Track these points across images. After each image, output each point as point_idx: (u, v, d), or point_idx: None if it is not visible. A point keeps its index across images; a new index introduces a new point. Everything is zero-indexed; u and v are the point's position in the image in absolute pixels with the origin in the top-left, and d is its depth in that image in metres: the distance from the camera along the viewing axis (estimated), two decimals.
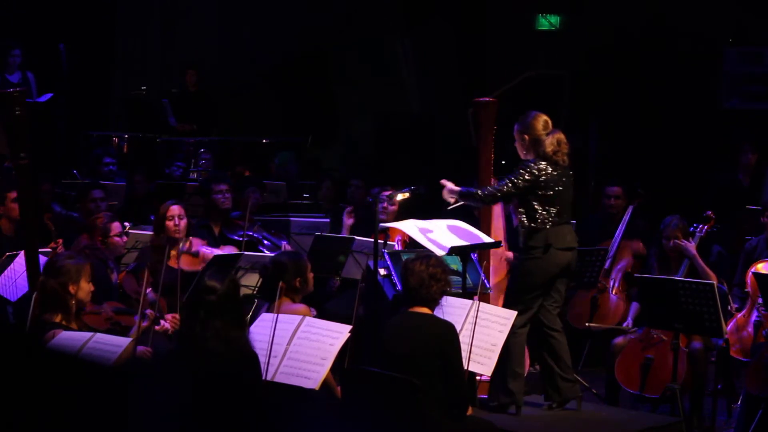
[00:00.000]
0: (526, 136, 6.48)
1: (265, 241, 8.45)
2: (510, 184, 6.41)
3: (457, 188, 6.64)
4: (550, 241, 6.37)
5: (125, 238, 7.30)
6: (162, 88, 13.22)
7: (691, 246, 7.42)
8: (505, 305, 6.49)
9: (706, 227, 7.59)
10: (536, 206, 6.38)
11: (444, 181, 6.72)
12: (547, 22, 12.49)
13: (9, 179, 7.75)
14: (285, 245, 8.40)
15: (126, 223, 7.57)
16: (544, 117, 6.50)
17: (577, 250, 6.66)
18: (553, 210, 6.39)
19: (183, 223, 7.39)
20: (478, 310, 6.13)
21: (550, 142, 6.41)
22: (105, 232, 7.16)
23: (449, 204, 6.73)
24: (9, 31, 11.63)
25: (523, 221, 6.45)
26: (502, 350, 6.26)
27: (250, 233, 8.42)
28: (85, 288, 5.76)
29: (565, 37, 12.27)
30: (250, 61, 13.54)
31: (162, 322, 6.46)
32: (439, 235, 6.68)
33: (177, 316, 6.56)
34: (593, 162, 11.55)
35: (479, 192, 6.56)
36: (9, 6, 12.11)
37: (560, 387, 6.54)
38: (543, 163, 6.39)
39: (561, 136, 6.46)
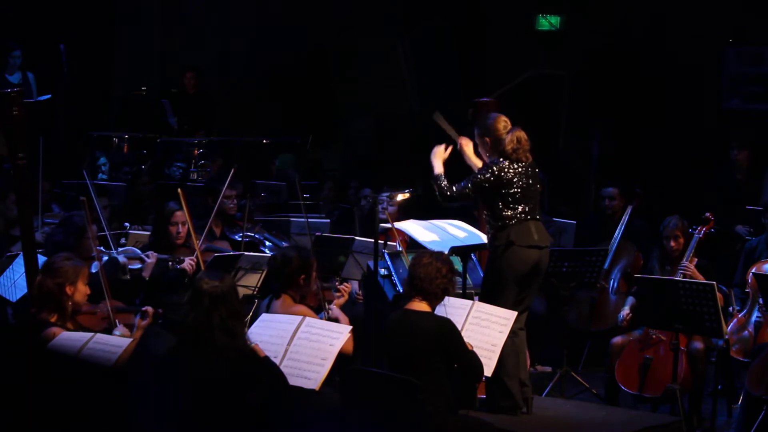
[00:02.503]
0: (488, 138, 6.50)
1: (267, 243, 8.43)
2: (470, 185, 6.42)
3: (437, 168, 6.57)
4: (511, 238, 6.34)
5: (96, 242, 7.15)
6: (162, 88, 13.22)
7: (697, 273, 7.38)
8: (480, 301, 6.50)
9: (704, 229, 7.57)
10: (500, 205, 6.38)
11: (440, 152, 6.64)
12: (547, 22, 12.47)
13: (8, 179, 7.75)
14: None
15: (125, 224, 7.57)
16: (504, 117, 6.53)
17: (569, 250, 6.62)
18: (518, 207, 6.38)
19: (185, 229, 7.38)
20: (477, 310, 6.14)
21: (509, 140, 6.41)
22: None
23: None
24: (9, 31, 11.63)
25: (488, 221, 6.47)
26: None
27: (251, 234, 8.41)
28: (81, 290, 5.74)
29: (565, 37, 12.25)
30: (250, 61, 13.54)
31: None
32: (439, 235, 6.68)
33: (194, 258, 6.99)
34: (595, 163, 11.54)
35: (443, 184, 6.47)
36: (9, 6, 12.11)
37: (510, 388, 6.44)
38: (505, 162, 6.39)
39: (521, 133, 6.46)
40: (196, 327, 4.79)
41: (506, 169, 6.38)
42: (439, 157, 6.65)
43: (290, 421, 5.13)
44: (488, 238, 6.50)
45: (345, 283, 6.73)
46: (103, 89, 13.24)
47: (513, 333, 6.30)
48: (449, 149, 6.72)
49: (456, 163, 6.81)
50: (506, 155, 6.41)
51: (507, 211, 6.36)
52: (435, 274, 5.59)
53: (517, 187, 6.38)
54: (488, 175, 6.38)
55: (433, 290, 5.61)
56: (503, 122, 6.51)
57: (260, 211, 9.63)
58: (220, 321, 4.77)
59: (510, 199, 6.37)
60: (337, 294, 6.55)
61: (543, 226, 6.55)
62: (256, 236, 8.42)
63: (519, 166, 6.41)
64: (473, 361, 5.64)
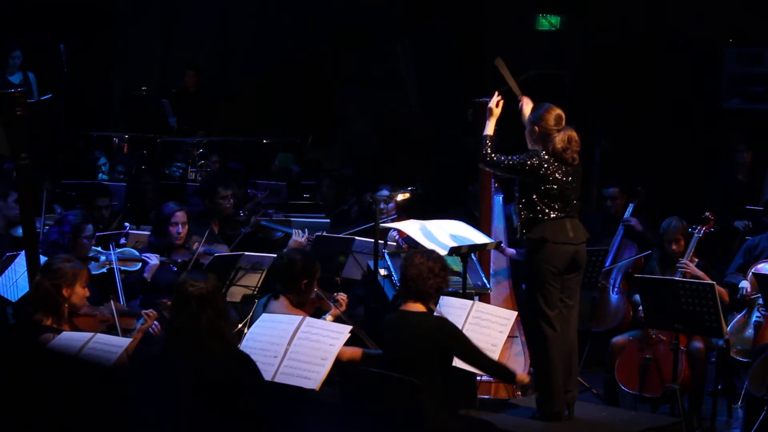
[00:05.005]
0: (537, 128, 6.34)
1: (276, 233, 8.42)
2: (508, 162, 6.30)
3: (488, 128, 6.48)
4: (545, 234, 6.25)
5: (93, 241, 7.17)
6: (162, 88, 13.24)
7: (695, 270, 7.38)
8: (527, 300, 6.48)
9: (704, 228, 7.57)
10: (535, 199, 6.28)
11: (496, 111, 6.54)
12: (547, 22, 12.48)
13: (10, 179, 7.75)
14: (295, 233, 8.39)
15: (125, 224, 7.56)
16: (558, 111, 6.34)
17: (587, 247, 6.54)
18: (554, 205, 6.27)
19: (185, 229, 7.38)
20: (477, 310, 6.14)
21: (560, 139, 6.27)
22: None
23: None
24: (9, 31, 11.64)
25: (521, 214, 6.37)
26: (541, 359, 6.31)
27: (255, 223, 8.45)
28: (79, 293, 5.68)
29: (565, 37, 12.26)
30: (250, 61, 13.55)
31: None
32: (439, 235, 6.67)
33: None
34: (596, 163, 11.55)
35: (487, 148, 6.38)
36: (9, 6, 12.11)
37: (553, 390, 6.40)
38: (550, 158, 6.27)
39: (572, 133, 6.30)
40: (183, 331, 4.71)
41: (546, 165, 6.25)
42: (494, 116, 6.54)
43: (288, 421, 5.13)
44: (519, 227, 6.38)
45: (341, 294, 6.62)
46: (103, 89, 13.25)
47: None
48: (501, 104, 6.56)
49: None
50: (554, 153, 6.28)
51: (542, 206, 6.26)
52: (427, 273, 5.48)
53: (555, 185, 6.26)
54: (528, 164, 6.25)
55: (427, 290, 5.51)
56: (555, 116, 6.33)
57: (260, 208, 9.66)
58: (208, 323, 4.68)
59: (547, 195, 6.26)
60: (336, 304, 6.46)
61: (579, 223, 6.42)
62: (263, 223, 8.45)
63: (563, 166, 6.28)
64: (484, 357, 5.58)
